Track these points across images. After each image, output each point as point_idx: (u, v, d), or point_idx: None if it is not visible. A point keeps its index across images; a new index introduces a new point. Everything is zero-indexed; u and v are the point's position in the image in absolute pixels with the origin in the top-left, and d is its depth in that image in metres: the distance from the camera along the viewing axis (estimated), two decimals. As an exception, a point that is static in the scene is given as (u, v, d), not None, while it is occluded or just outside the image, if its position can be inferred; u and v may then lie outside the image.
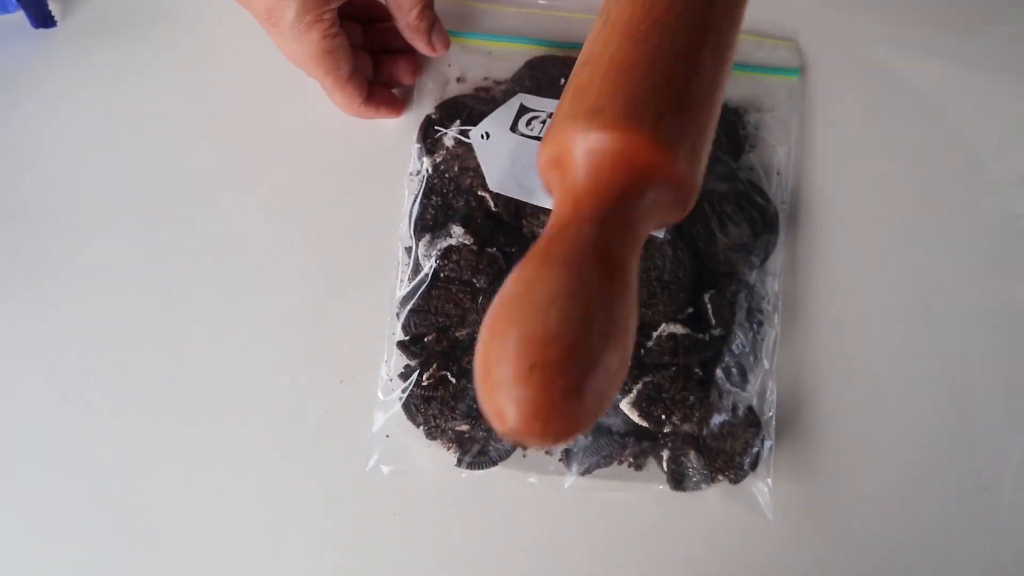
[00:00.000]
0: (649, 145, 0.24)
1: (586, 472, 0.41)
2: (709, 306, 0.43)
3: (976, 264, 0.47)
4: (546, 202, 0.43)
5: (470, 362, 0.41)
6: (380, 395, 0.43)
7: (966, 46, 0.50)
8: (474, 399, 0.40)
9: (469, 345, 0.42)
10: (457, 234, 0.42)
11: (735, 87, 0.48)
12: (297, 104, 0.47)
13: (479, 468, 0.41)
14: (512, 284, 0.22)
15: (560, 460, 0.42)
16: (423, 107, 0.47)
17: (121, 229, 0.46)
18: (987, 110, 0.49)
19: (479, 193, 0.43)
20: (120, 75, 0.49)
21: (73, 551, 0.42)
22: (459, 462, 0.41)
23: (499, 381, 0.20)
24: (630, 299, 0.22)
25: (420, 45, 0.45)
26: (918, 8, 0.51)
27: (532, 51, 0.48)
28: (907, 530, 0.43)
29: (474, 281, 0.42)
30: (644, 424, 0.41)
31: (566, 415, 0.19)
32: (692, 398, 0.41)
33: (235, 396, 0.44)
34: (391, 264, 0.44)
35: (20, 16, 0.48)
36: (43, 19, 0.48)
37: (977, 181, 0.48)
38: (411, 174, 0.46)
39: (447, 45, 0.46)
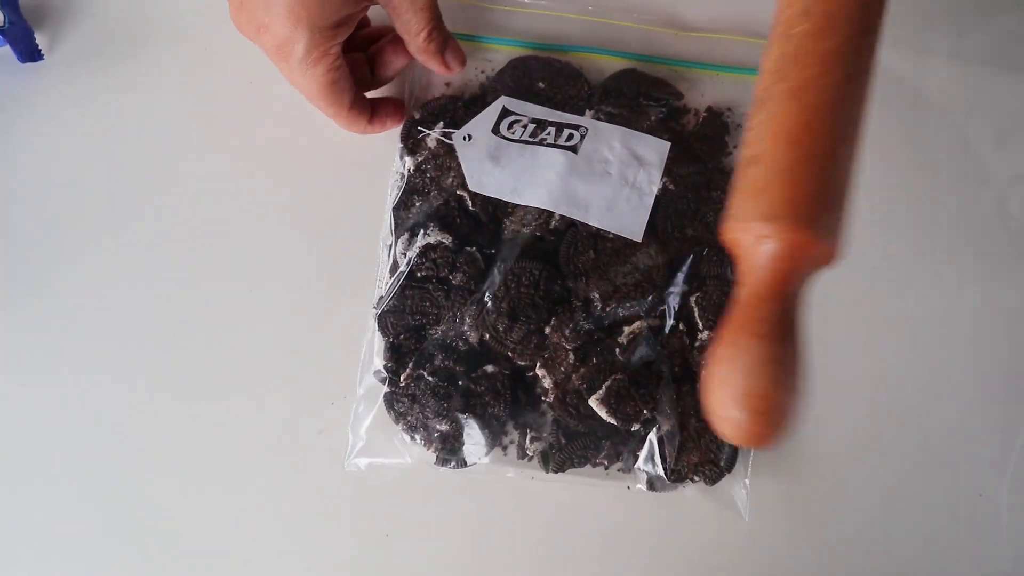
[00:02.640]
0: (811, 242, 0.31)
1: (559, 470, 0.42)
2: (696, 309, 0.43)
3: (971, 264, 0.47)
4: (525, 200, 0.43)
5: (445, 360, 0.42)
6: (359, 390, 0.43)
7: (962, 44, 0.50)
8: (446, 395, 0.41)
9: (445, 343, 0.42)
10: (433, 232, 0.43)
11: (720, 88, 0.48)
12: (284, 118, 0.48)
13: (459, 466, 0.42)
14: (726, 348, 0.31)
15: (538, 460, 0.42)
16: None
17: (115, 255, 0.47)
18: (982, 108, 0.49)
19: (458, 192, 0.44)
20: (107, 103, 0.49)
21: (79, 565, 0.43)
22: (438, 459, 0.42)
23: (726, 418, 0.30)
24: (803, 351, 0.31)
25: (433, 65, 0.45)
26: (913, 5, 0.50)
27: (518, 52, 0.48)
28: (896, 535, 0.43)
29: (450, 278, 0.42)
30: (612, 421, 0.41)
31: (770, 437, 0.30)
32: (660, 395, 0.41)
33: (232, 414, 0.44)
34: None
35: (6, 51, 0.48)
36: (30, 53, 0.49)
37: (971, 180, 0.48)
38: (395, 174, 0.46)
39: (462, 63, 0.46)
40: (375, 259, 0.45)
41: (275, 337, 0.45)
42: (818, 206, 0.32)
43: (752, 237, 0.32)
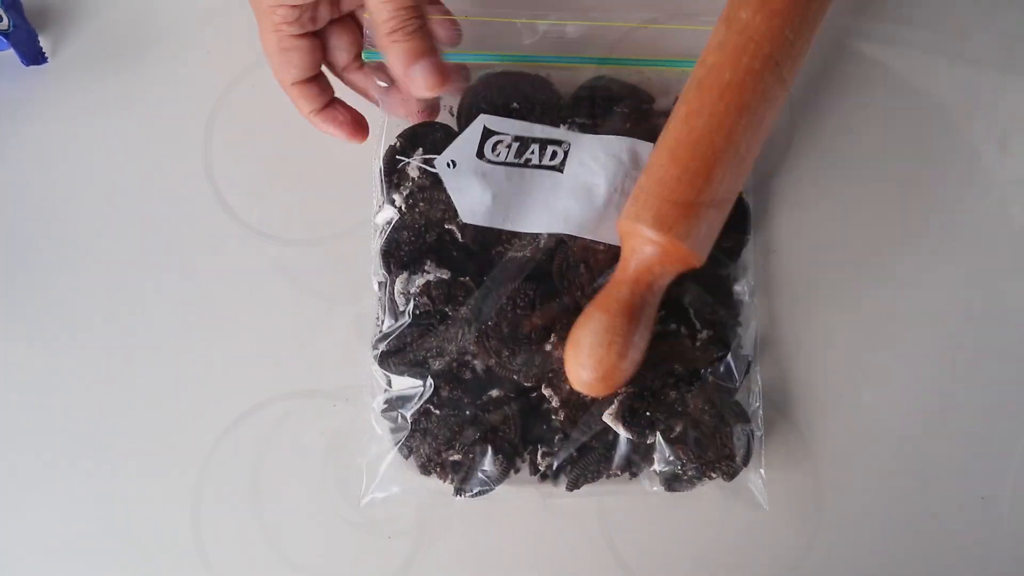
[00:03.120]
0: (668, 244, 0.38)
1: (574, 487, 0.42)
2: (690, 310, 0.43)
3: (973, 266, 0.47)
4: (518, 226, 0.42)
5: (452, 392, 0.42)
6: (376, 428, 0.43)
7: (964, 45, 0.49)
8: (456, 426, 0.41)
9: (449, 374, 0.42)
10: (431, 268, 0.42)
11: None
12: (286, 120, 0.47)
13: (477, 495, 0.42)
14: (583, 317, 0.39)
15: (552, 478, 0.43)
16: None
17: (116, 256, 0.47)
18: (985, 111, 0.49)
19: (447, 226, 0.42)
20: (111, 106, 0.49)
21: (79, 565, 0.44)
22: (456, 491, 0.42)
23: (578, 371, 0.38)
24: (642, 329, 0.38)
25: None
26: (914, 6, 0.50)
27: (485, 67, 0.45)
28: (896, 537, 0.44)
29: (447, 311, 0.42)
30: (629, 435, 0.41)
31: (603, 388, 0.38)
32: (673, 395, 0.41)
33: (233, 414, 0.45)
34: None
35: (10, 54, 0.48)
36: (34, 56, 0.49)
37: (972, 182, 0.48)
38: (377, 207, 0.44)
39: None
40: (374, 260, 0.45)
41: (275, 338, 0.46)
42: (675, 215, 0.37)
43: (627, 230, 0.39)
